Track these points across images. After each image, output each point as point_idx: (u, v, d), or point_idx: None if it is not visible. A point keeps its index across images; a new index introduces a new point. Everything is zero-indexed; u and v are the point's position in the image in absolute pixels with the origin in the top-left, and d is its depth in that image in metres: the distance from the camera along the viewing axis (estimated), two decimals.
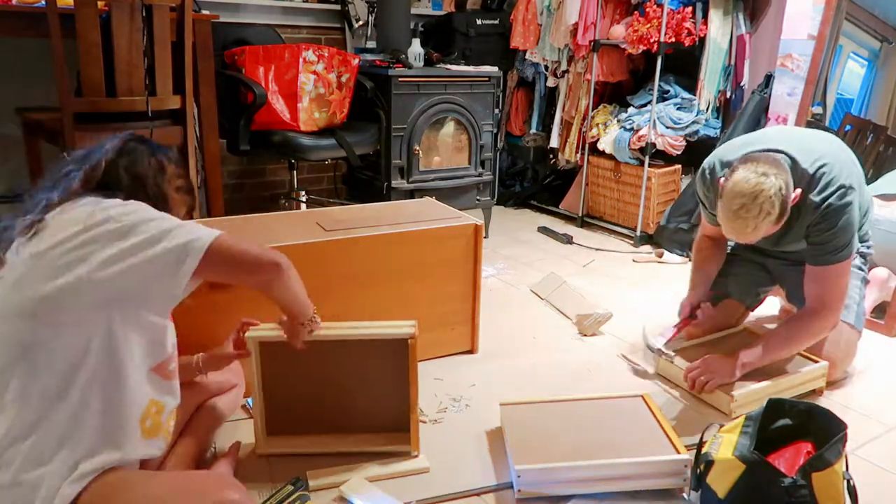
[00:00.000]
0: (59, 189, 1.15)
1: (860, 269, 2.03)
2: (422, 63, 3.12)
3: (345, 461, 1.52)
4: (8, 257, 1.09)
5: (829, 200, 1.73)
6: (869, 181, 2.62)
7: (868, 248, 2.06)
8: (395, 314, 1.95)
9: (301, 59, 2.70)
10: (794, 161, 1.74)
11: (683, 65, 3.39)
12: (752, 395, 1.78)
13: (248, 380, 1.58)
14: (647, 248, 3.32)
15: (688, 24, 3.15)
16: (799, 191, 1.71)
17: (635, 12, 3.32)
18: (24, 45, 2.80)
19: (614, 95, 3.69)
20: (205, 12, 2.73)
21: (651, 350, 2.05)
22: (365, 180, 3.26)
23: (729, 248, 2.23)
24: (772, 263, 2.12)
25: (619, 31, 3.37)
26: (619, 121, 3.45)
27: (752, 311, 2.22)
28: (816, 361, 1.90)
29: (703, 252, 2.12)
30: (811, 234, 1.79)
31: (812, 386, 1.90)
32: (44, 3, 2.05)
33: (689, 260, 2.27)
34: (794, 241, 1.87)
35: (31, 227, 1.09)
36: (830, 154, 1.78)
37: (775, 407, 1.45)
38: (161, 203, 1.21)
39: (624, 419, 1.62)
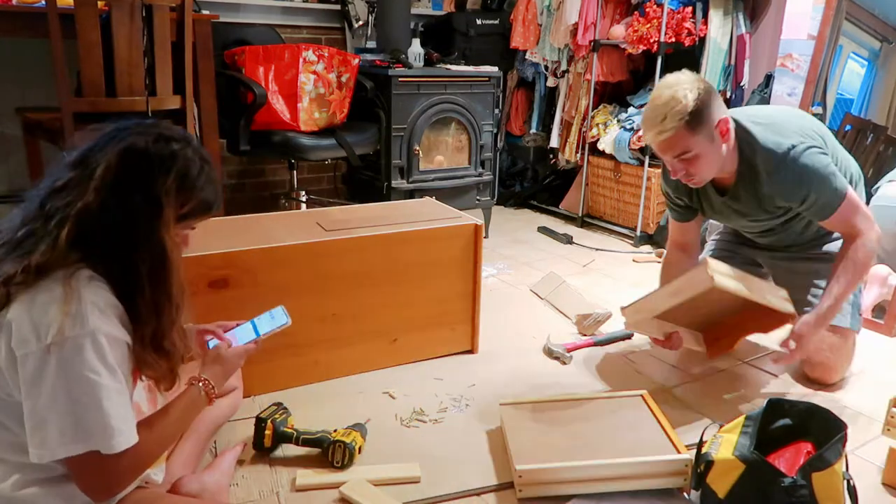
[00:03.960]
0: (43, 241, 0.98)
1: None
2: (422, 63, 3.12)
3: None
4: None
5: (791, 161, 1.69)
6: (869, 181, 2.62)
7: None
8: (395, 314, 1.95)
9: (301, 59, 2.70)
10: (738, 123, 1.74)
11: (683, 65, 3.33)
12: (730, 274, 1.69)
13: None
14: (647, 248, 3.32)
15: (688, 24, 3.15)
16: (726, 118, 1.68)
17: (635, 12, 3.32)
18: (24, 45, 2.80)
19: (614, 95, 3.69)
20: (205, 12, 2.73)
21: (550, 351, 2.12)
22: (365, 180, 3.26)
23: (719, 240, 2.21)
24: (763, 257, 2.10)
25: (619, 31, 3.37)
26: (619, 121, 3.45)
27: None
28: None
29: (671, 266, 2.03)
30: (790, 201, 1.75)
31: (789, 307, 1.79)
32: (44, 3, 2.05)
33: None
34: (767, 201, 1.81)
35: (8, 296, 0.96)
36: (784, 121, 1.77)
37: (775, 407, 1.45)
38: (156, 257, 1.04)
39: (624, 419, 1.62)
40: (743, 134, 1.75)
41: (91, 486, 1.01)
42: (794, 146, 1.70)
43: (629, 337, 2.24)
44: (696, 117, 1.62)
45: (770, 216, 1.87)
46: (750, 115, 1.80)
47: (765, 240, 2.03)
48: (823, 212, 1.75)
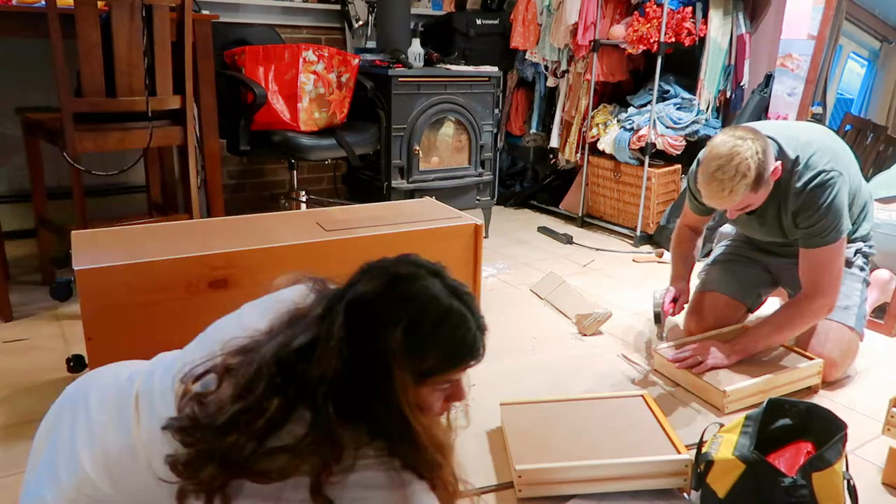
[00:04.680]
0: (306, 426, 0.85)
1: (862, 269, 2.03)
2: (422, 63, 3.12)
3: None
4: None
5: (810, 184, 1.76)
6: (868, 181, 2.62)
7: (870, 248, 2.06)
8: None
9: (301, 59, 2.70)
10: (780, 147, 1.79)
11: (683, 65, 3.39)
12: (745, 391, 1.79)
13: None
14: (647, 248, 3.32)
15: (688, 24, 3.15)
16: (779, 164, 1.75)
17: (635, 12, 3.32)
18: (24, 45, 2.80)
19: (614, 95, 3.69)
20: (205, 12, 2.73)
21: (656, 315, 2.07)
22: (365, 180, 3.26)
23: (730, 244, 2.23)
24: (774, 264, 2.12)
25: (619, 31, 3.37)
26: (619, 121, 3.45)
27: (753, 312, 2.22)
28: (812, 359, 1.91)
29: (683, 243, 2.18)
30: (799, 219, 1.82)
31: (807, 383, 1.90)
32: (44, 3, 2.05)
33: (707, 260, 2.30)
34: (789, 230, 1.89)
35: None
36: (816, 142, 1.82)
37: (775, 407, 1.45)
38: (401, 424, 0.89)
39: (624, 419, 1.62)
40: (785, 160, 1.79)
41: None
42: (827, 171, 1.76)
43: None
44: (758, 181, 1.69)
45: (785, 239, 1.96)
46: (791, 138, 1.82)
47: (778, 249, 2.09)
48: (813, 239, 1.81)
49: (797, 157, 1.78)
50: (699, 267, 2.33)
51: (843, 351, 1.94)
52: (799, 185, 1.78)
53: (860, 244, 2.03)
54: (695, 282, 2.26)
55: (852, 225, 1.98)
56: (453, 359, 0.93)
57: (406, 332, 0.88)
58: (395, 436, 0.89)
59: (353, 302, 0.90)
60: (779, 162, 1.75)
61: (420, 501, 0.87)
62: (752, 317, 2.25)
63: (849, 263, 2.01)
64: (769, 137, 1.78)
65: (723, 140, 1.71)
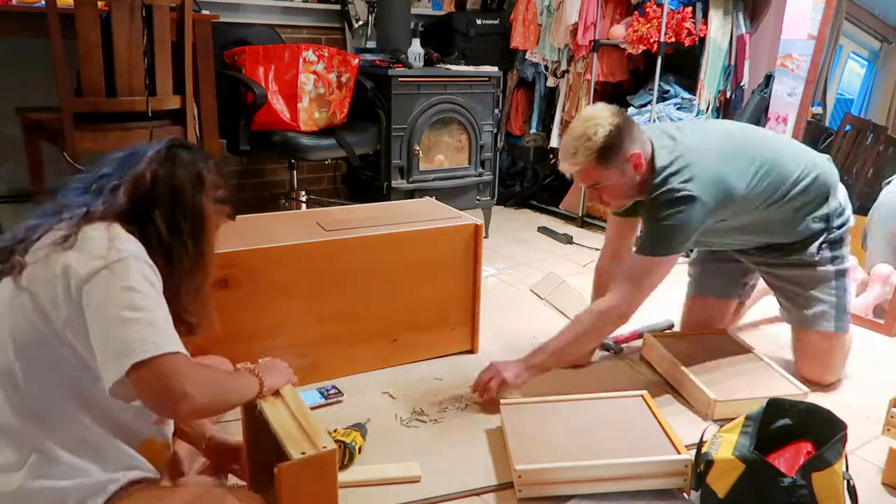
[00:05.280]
0: (100, 199, 1.10)
1: (833, 259, 1.88)
2: (422, 63, 3.12)
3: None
4: (34, 264, 1.03)
5: (661, 199, 1.71)
6: (869, 181, 2.62)
7: (840, 227, 1.89)
8: (395, 314, 1.95)
9: (301, 59, 2.70)
10: (653, 151, 1.74)
11: (683, 65, 3.39)
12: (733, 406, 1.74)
13: None
14: None
15: (688, 24, 3.15)
16: (639, 153, 1.69)
17: (635, 12, 3.32)
18: (24, 45, 2.80)
19: (614, 95, 3.68)
20: (205, 12, 2.73)
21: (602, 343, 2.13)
22: (365, 180, 3.26)
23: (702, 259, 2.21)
24: (747, 260, 2.06)
25: (619, 31, 3.37)
26: None
27: (745, 302, 2.21)
28: (798, 387, 1.83)
29: (603, 277, 2.04)
30: (643, 221, 1.81)
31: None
32: (44, 3, 2.06)
33: (689, 260, 2.27)
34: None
35: (66, 238, 1.04)
36: (690, 154, 1.72)
37: (775, 407, 1.45)
38: (197, 218, 1.16)
39: (624, 419, 1.62)
40: (654, 166, 1.74)
41: (153, 398, 1.01)
42: (678, 190, 1.68)
43: (671, 327, 2.25)
44: (605, 153, 1.65)
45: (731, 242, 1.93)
46: (664, 148, 1.75)
47: (737, 254, 2.04)
48: (642, 245, 1.76)
49: (661, 168, 1.71)
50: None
51: (825, 364, 1.91)
52: (653, 195, 1.72)
53: (822, 232, 1.87)
54: (687, 280, 2.24)
55: (802, 219, 1.84)
56: (230, 196, 1.25)
57: (214, 166, 1.21)
58: (189, 227, 1.14)
59: (170, 142, 1.19)
60: (638, 151, 1.69)
61: (129, 264, 1.03)
62: (750, 318, 2.25)
63: (813, 265, 1.88)
64: (649, 139, 1.74)
65: (589, 107, 1.73)
